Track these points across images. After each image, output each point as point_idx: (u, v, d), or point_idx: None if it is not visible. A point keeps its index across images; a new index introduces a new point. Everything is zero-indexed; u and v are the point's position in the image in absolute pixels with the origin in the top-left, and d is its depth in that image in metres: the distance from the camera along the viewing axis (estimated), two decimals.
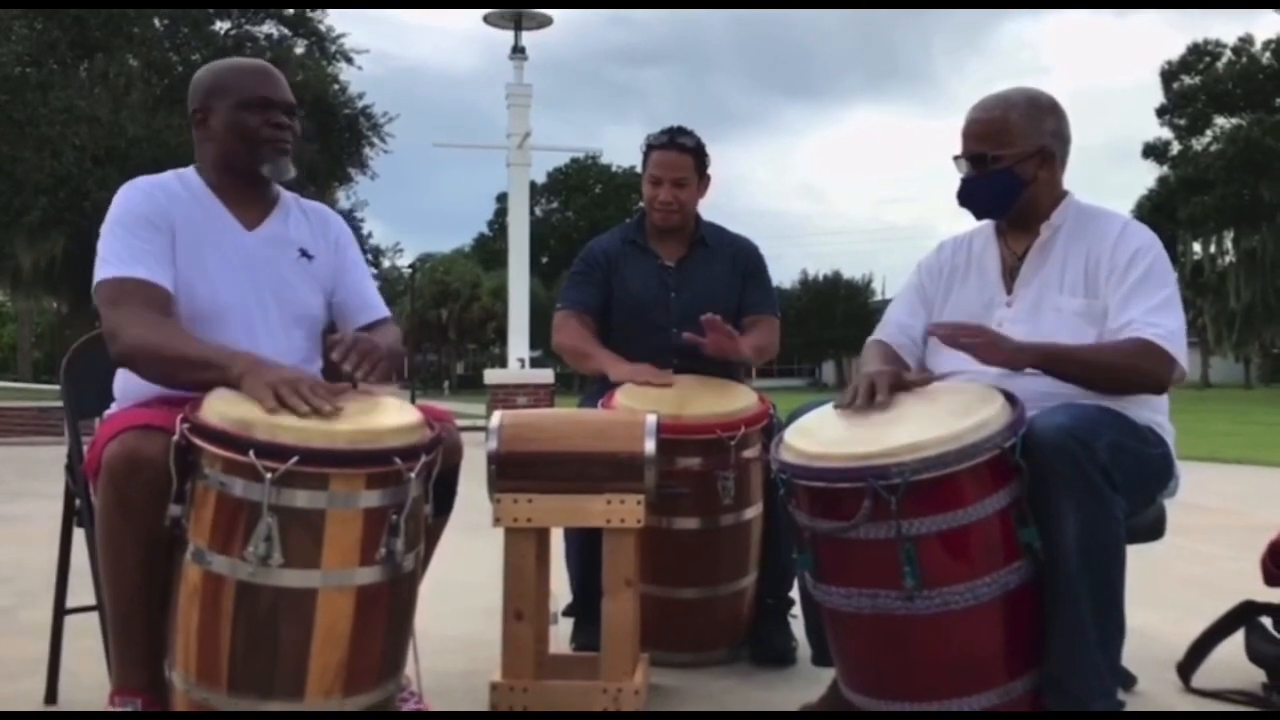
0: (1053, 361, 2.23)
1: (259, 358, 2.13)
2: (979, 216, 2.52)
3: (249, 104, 2.34)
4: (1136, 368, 2.24)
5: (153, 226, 2.26)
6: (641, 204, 3.38)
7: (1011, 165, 2.39)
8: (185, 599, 1.95)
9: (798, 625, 2.74)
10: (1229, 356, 46.54)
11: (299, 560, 1.89)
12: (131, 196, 2.31)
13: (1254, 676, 2.70)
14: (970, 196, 2.46)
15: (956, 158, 2.45)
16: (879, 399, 2.19)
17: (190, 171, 2.41)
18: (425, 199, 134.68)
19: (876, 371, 2.28)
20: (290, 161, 2.40)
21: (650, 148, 3.25)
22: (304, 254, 2.43)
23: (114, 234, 2.25)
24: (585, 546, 2.87)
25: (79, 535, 2.39)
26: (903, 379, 2.27)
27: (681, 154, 3.22)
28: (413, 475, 1.96)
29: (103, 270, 2.21)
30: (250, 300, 2.32)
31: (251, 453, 1.87)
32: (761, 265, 3.37)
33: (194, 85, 2.40)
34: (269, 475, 1.86)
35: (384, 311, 2.54)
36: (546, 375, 13.50)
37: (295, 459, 1.87)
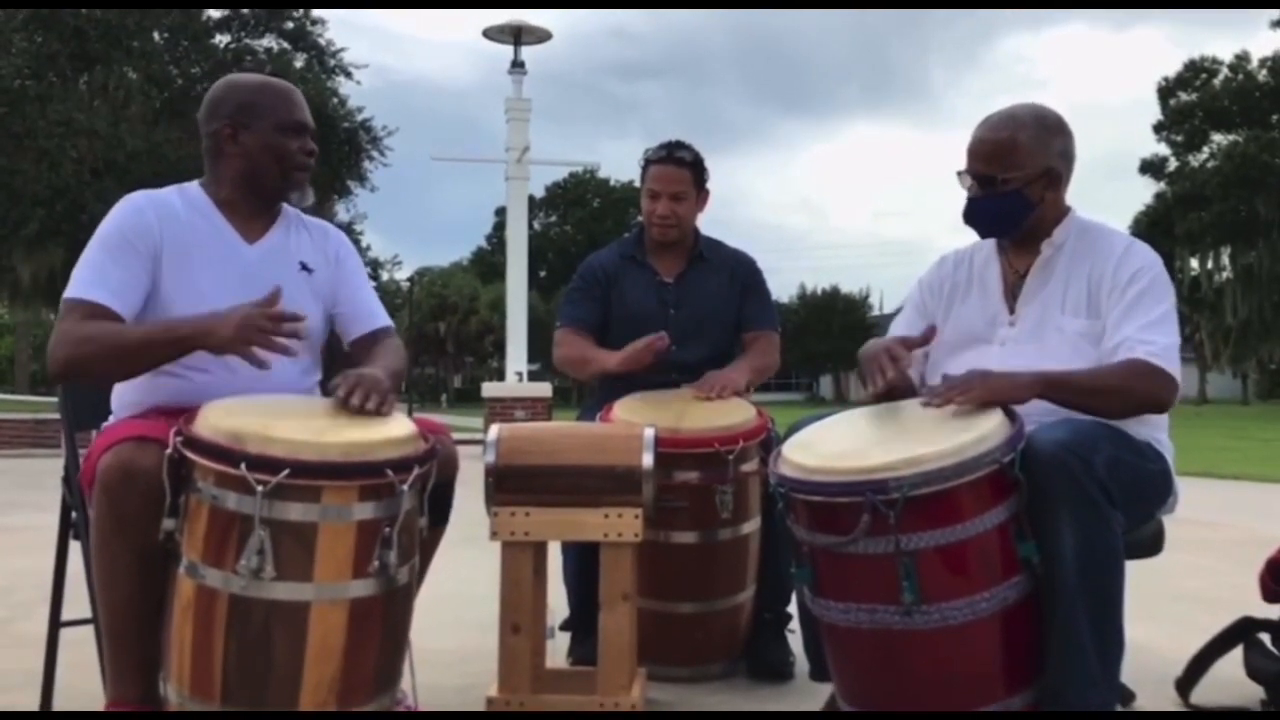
0: (1052, 389, 2.21)
1: (203, 319, 2.14)
2: (984, 236, 2.52)
3: (289, 128, 2.36)
4: (1133, 389, 2.23)
5: (131, 248, 2.25)
6: (640, 218, 3.38)
7: (1020, 187, 2.38)
8: (179, 612, 1.94)
9: (795, 640, 2.74)
10: (1226, 372, 46.58)
11: (291, 573, 1.89)
12: (122, 213, 2.30)
13: (1253, 693, 2.69)
14: (977, 216, 2.45)
15: (960, 173, 2.44)
16: (890, 376, 2.24)
17: (193, 186, 2.41)
18: (424, 212, 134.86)
19: (881, 343, 2.29)
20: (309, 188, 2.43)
21: (648, 162, 3.25)
22: (304, 267, 2.43)
23: (91, 253, 2.26)
24: (583, 560, 2.86)
25: (75, 547, 2.39)
26: (908, 340, 2.29)
27: (679, 168, 3.22)
28: (406, 487, 1.96)
29: (67, 289, 2.23)
30: None
31: (243, 465, 1.86)
32: (760, 279, 3.36)
33: (219, 99, 2.38)
34: (261, 488, 1.85)
35: (385, 320, 2.54)
36: (544, 388, 13.50)
37: (287, 471, 1.86)
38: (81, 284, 2.22)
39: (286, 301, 2.38)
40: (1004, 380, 2.19)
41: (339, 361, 2.48)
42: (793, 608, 2.78)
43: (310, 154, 2.40)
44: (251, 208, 2.40)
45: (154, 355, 2.17)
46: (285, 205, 2.48)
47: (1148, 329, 2.27)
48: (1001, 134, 2.39)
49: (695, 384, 3.01)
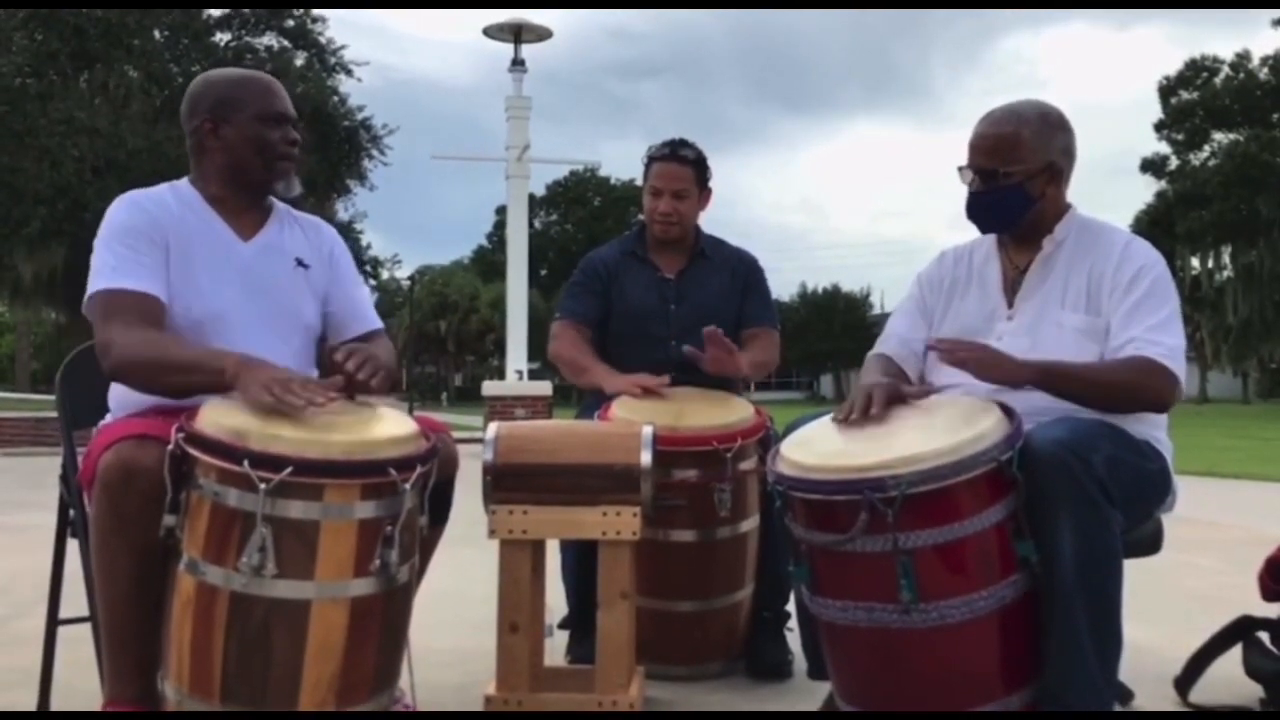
0: (1053, 379, 2.22)
1: (247, 357, 2.13)
2: (985, 231, 2.52)
3: (268, 118, 2.35)
4: (1138, 385, 2.23)
5: (147, 238, 2.25)
6: (641, 216, 3.38)
7: (1021, 182, 2.38)
8: (179, 610, 1.94)
9: (794, 638, 2.74)
10: (1227, 371, 46.56)
11: (293, 571, 1.89)
12: (123, 210, 2.30)
13: (1252, 692, 2.69)
14: (978, 211, 2.45)
15: (962, 168, 2.44)
16: (874, 412, 2.19)
17: (184, 184, 2.40)
18: (424, 211, 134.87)
19: (873, 384, 2.27)
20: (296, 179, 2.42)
21: (651, 159, 3.25)
22: (300, 263, 2.43)
23: (108, 247, 2.25)
24: (581, 558, 2.87)
25: (73, 545, 2.39)
26: (900, 391, 2.27)
27: (682, 166, 3.22)
28: (408, 486, 1.96)
29: (95, 282, 2.21)
30: (245, 309, 2.31)
31: (246, 463, 1.86)
32: (761, 277, 3.36)
33: (198, 95, 2.38)
34: (263, 485, 1.85)
35: (377, 323, 2.54)
36: (544, 387, 13.50)
37: (289, 469, 1.86)
38: (116, 273, 2.20)
39: (285, 297, 2.39)
40: (1007, 358, 2.23)
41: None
42: (791, 606, 2.79)
43: (293, 143, 2.39)
44: (241, 203, 2.39)
45: (192, 381, 2.12)
46: (277, 201, 2.48)
47: (1155, 330, 2.27)
48: (1005, 129, 2.39)
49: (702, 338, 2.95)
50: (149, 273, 2.22)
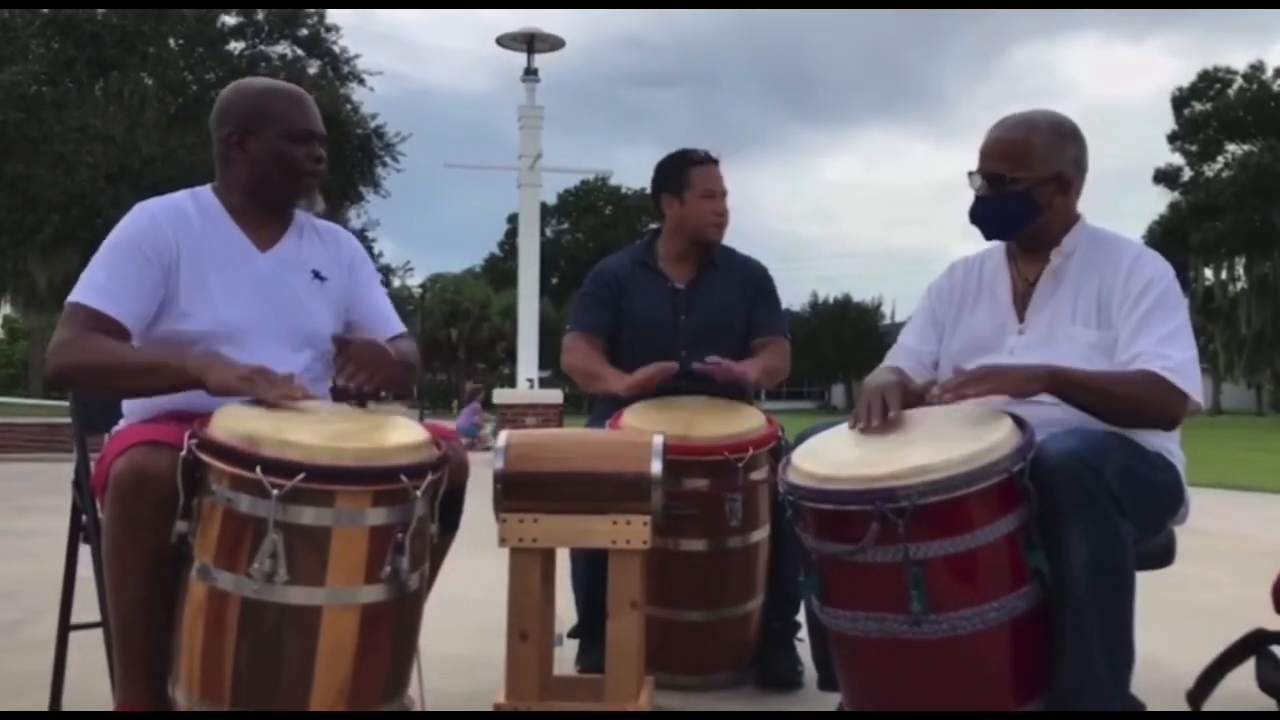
0: (1063, 385, 2.21)
1: (212, 354, 2.16)
2: (988, 236, 2.52)
3: (295, 136, 2.35)
4: (1145, 400, 2.22)
5: (143, 256, 2.25)
6: (652, 225, 3.39)
7: (1028, 188, 2.38)
8: (190, 615, 1.94)
9: (804, 649, 2.73)
10: (1240, 383, 46.35)
11: (304, 577, 1.89)
12: (136, 222, 2.30)
13: (1265, 706, 2.67)
14: (982, 215, 2.45)
15: (972, 174, 2.44)
16: (892, 415, 2.19)
17: (206, 191, 2.41)
18: (436, 219, 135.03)
19: (883, 384, 2.27)
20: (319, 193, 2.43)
21: (694, 163, 3.28)
22: (317, 275, 2.43)
23: (101, 259, 2.26)
24: (591, 567, 2.87)
25: (85, 551, 2.39)
26: (909, 389, 2.27)
27: (719, 170, 3.28)
28: (419, 493, 1.96)
29: (74, 293, 2.23)
30: (257, 320, 2.32)
31: (258, 469, 1.87)
32: (771, 287, 3.37)
33: (228, 106, 2.37)
34: (275, 491, 1.86)
35: (400, 328, 2.55)
36: (555, 395, 13.52)
37: (302, 475, 1.87)
38: (88, 289, 2.22)
39: (299, 310, 2.39)
40: (1015, 372, 2.22)
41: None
42: (801, 616, 2.78)
43: (319, 160, 2.39)
44: (262, 214, 2.40)
45: (152, 383, 2.17)
46: (297, 211, 2.48)
47: (1163, 343, 2.26)
48: (1016, 134, 2.40)
49: (703, 362, 2.99)
50: (127, 295, 2.22)
